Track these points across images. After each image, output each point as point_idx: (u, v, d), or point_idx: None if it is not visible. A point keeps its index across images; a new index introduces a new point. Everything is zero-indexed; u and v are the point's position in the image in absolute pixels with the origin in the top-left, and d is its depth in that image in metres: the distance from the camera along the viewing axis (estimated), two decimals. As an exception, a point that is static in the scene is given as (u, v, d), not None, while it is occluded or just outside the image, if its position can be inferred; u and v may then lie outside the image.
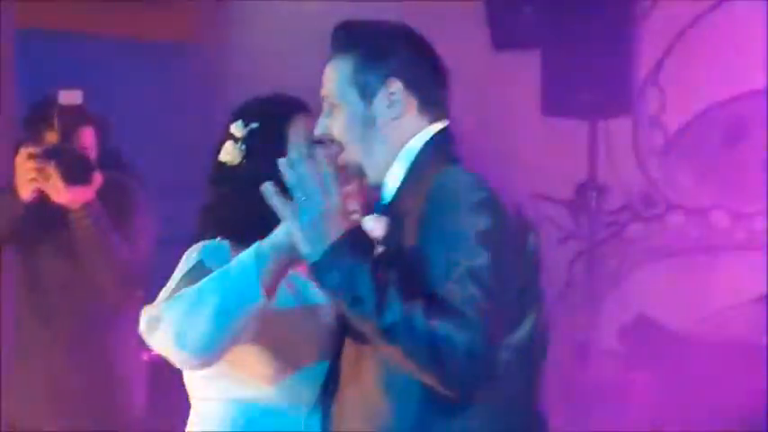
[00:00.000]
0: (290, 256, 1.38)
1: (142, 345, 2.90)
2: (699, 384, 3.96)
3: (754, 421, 3.89)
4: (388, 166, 1.47)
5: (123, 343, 2.85)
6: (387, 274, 1.35)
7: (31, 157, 2.77)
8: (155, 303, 1.50)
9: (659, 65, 4.33)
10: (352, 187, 1.52)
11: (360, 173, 1.50)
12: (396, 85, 1.47)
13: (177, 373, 1.63)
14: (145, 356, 3.00)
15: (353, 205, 1.48)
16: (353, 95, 1.49)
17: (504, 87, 4.36)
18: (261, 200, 1.37)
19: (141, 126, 3.64)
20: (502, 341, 1.42)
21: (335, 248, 1.32)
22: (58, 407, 2.95)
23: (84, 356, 3.02)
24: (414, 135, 1.49)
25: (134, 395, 3.07)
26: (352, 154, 1.47)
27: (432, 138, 1.49)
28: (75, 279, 2.85)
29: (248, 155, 1.57)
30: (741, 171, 4.27)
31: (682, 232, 4.44)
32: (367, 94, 1.49)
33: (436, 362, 1.34)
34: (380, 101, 1.48)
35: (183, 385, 1.69)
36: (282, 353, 1.52)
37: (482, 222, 1.41)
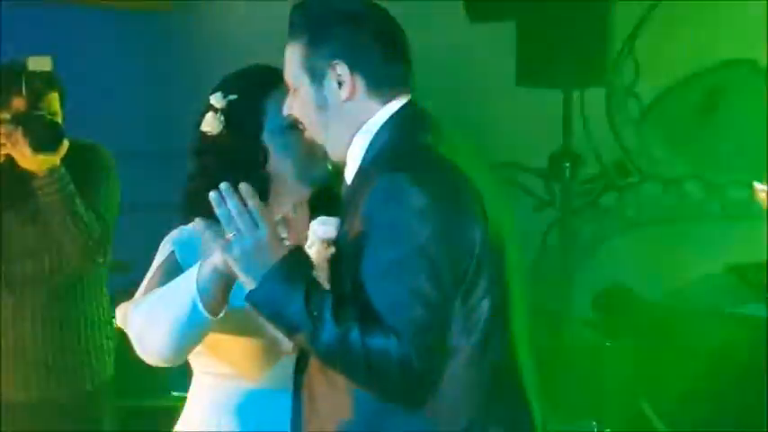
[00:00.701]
0: (229, 280, 1.49)
1: (110, 312, 2.83)
2: (673, 353, 4.10)
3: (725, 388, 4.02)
4: (347, 146, 1.52)
5: (90, 311, 2.92)
6: (323, 296, 1.42)
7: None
8: (132, 300, 1.64)
9: (633, 37, 4.45)
10: (286, 212, 1.68)
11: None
12: (341, 68, 1.51)
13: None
14: (114, 325, 3.02)
15: (284, 232, 1.59)
16: (306, 79, 1.54)
17: (479, 58, 4.43)
18: (241, 170, 1.50)
19: (112, 92, 3.76)
20: (444, 349, 1.48)
21: (266, 279, 1.40)
22: (28, 376, 2.99)
23: (52, 325, 3.04)
24: (369, 115, 1.54)
25: (103, 364, 3.16)
26: (314, 135, 1.54)
27: (391, 117, 1.53)
28: (42, 246, 2.87)
29: (228, 125, 1.66)
30: (715, 141, 4.41)
31: (656, 202, 4.58)
32: (317, 77, 1.53)
33: (373, 378, 1.41)
34: (330, 83, 1.52)
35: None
36: (255, 341, 1.63)
37: (422, 232, 1.45)
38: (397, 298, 1.45)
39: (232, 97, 1.70)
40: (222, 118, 1.69)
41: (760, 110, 4.26)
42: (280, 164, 1.71)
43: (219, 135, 1.68)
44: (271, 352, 1.66)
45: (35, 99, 2.83)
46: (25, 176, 2.82)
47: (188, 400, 1.83)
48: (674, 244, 4.57)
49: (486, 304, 1.52)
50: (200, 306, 1.51)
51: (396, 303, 1.44)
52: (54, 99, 2.86)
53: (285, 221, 1.75)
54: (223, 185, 1.44)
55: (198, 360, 1.72)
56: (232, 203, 1.43)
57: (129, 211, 2.88)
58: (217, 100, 1.71)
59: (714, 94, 4.41)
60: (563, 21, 4.30)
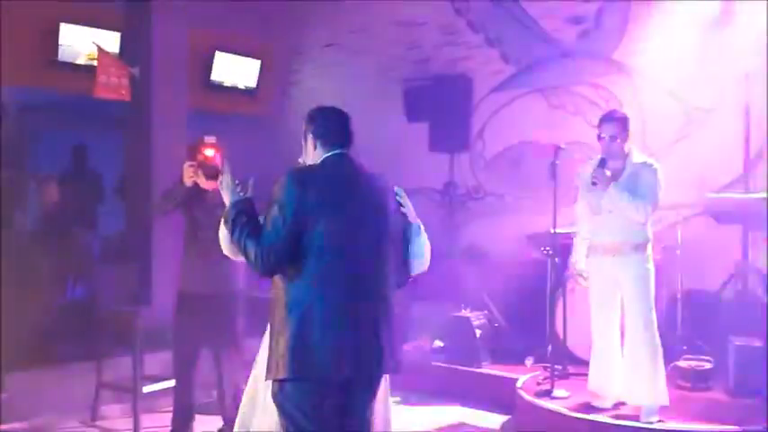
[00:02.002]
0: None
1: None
2: (505, 284, 6.31)
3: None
4: None
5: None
6: (242, 217, 2.74)
7: (191, 166, 4.36)
8: None
9: (483, 128, 7.46)
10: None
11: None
12: (310, 137, 2.87)
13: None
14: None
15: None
16: (303, 140, 2.92)
17: (411, 138, 7.33)
18: None
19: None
20: (281, 254, 2.66)
21: (231, 205, 2.77)
22: (206, 275, 4.43)
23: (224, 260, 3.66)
24: (318, 157, 2.86)
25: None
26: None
27: (323, 159, 2.82)
28: (214, 221, 3.47)
29: None
30: (520, 178, 7.14)
31: (493, 205, 7.42)
32: (305, 139, 2.90)
33: (247, 260, 2.72)
34: (308, 143, 2.89)
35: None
36: None
37: (281, 197, 2.69)
38: (267, 227, 2.68)
39: None
40: None
41: (539, 161, 5.67)
42: None
43: None
44: None
45: (206, 154, 4.39)
46: (203, 191, 4.42)
47: None
48: (501, 223, 7.07)
49: (320, 236, 2.69)
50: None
51: (266, 230, 2.69)
52: (217, 157, 4.38)
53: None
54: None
55: None
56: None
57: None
58: None
59: (517, 156, 7.23)
60: (449, 121, 7.32)
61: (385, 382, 3.02)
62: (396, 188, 2.96)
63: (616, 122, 4.61)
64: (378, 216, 2.82)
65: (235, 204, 2.83)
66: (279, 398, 2.74)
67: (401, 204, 2.98)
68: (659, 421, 4.55)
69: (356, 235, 2.73)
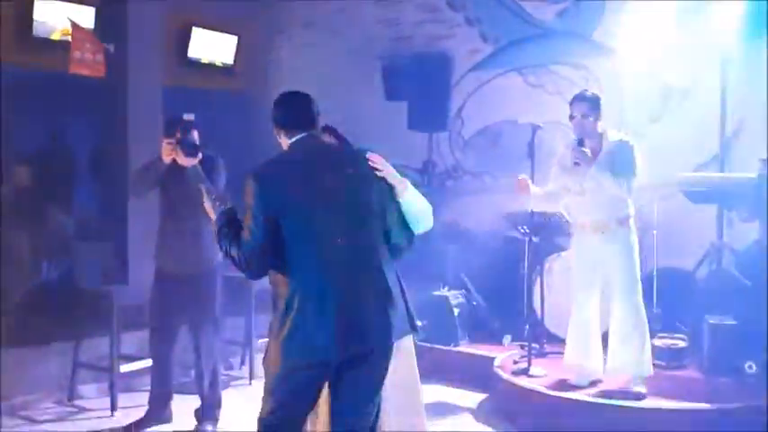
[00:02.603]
0: None
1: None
2: (483, 263, 6.45)
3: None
4: None
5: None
6: (225, 224, 2.81)
7: (169, 143, 4.33)
8: None
9: (462, 108, 7.47)
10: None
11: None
12: (276, 126, 2.90)
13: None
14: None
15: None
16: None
17: (390, 117, 7.24)
18: None
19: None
20: (259, 255, 2.71)
21: (215, 222, 2.84)
22: (180, 258, 4.50)
23: (198, 230, 4.34)
24: (285, 145, 2.90)
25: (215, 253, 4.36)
26: None
27: (289, 146, 2.86)
28: (191, 198, 3.92)
29: None
30: (499, 156, 7.11)
31: (471, 184, 7.45)
32: (275, 128, 2.94)
33: (238, 268, 2.77)
34: (276, 134, 2.93)
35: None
36: None
37: (248, 196, 2.72)
38: (244, 234, 2.75)
39: None
40: None
41: (517, 141, 5.66)
42: None
43: None
44: None
45: (186, 132, 4.39)
46: (181, 168, 4.33)
47: None
48: (478, 204, 7.07)
49: (291, 226, 2.71)
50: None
51: (243, 236, 2.75)
52: (195, 132, 4.44)
53: None
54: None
55: None
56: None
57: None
58: None
59: (496, 135, 7.25)
60: (428, 100, 7.24)
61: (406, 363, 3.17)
62: (368, 154, 2.91)
63: (587, 102, 4.65)
64: (352, 189, 2.82)
65: (217, 220, 2.89)
66: (266, 379, 2.87)
67: (377, 170, 2.91)
68: (638, 398, 4.62)
69: (327, 215, 2.75)
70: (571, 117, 4.69)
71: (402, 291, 3.00)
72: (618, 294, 4.64)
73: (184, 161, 4.29)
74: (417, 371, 3.36)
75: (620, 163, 4.54)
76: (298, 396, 2.79)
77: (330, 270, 2.73)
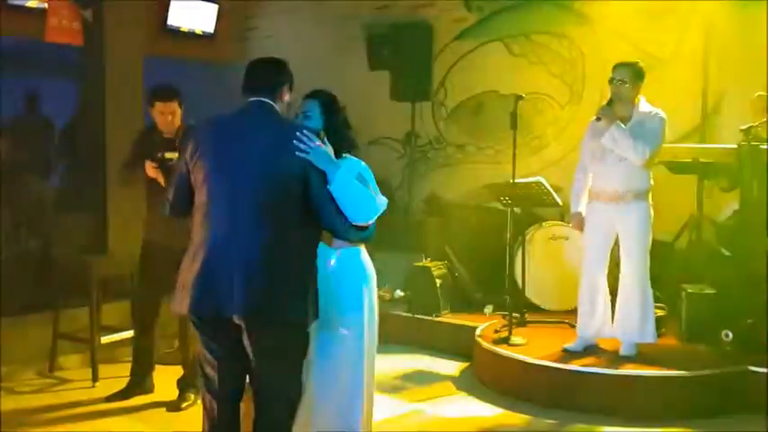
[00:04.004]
0: None
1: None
2: (465, 234, 6.49)
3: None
4: None
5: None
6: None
7: (153, 167, 4.49)
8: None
9: (445, 78, 7.44)
10: None
11: None
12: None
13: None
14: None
15: None
16: None
17: (372, 87, 7.28)
18: None
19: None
20: (181, 196, 2.91)
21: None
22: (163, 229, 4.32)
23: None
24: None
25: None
26: None
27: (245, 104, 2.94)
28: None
29: None
30: (481, 128, 7.21)
31: (454, 154, 7.45)
32: None
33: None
34: None
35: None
36: None
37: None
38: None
39: None
40: None
41: (500, 111, 6.29)
42: None
43: None
44: None
45: (166, 161, 4.46)
46: (167, 141, 4.54)
47: None
48: (460, 175, 7.25)
49: (200, 182, 2.86)
50: None
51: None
52: (178, 109, 4.61)
53: None
54: None
55: None
56: None
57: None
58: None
59: (479, 105, 7.23)
60: (411, 70, 7.26)
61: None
62: (303, 131, 2.85)
63: (627, 68, 4.74)
64: (264, 159, 2.80)
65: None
66: None
67: (300, 150, 2.85)
68: (618, 367, 4.70)
69: (226, 178, 2.80)
70: (610, 81, 4.76)
71: (304, 276, 2.90)
72: (627, 264, 4.74)
73: (165, 183, 4.27)
74: (362, 375, 3.18)
75: (645, 130, 4.62)
76: (207, 346, 2.92)
77: (213, 229, 2.79)
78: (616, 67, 4.78)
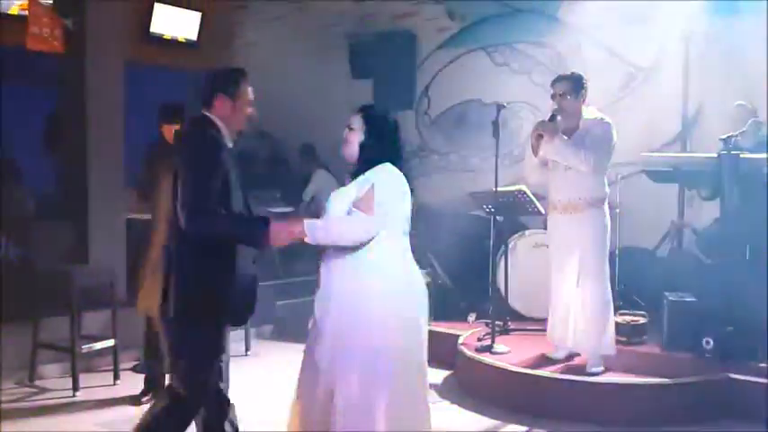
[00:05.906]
0: None
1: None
2: (448, 242, 6.31)
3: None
4: None
5: None
6: None
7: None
8: None
9: (428, 86, 7.54)
10: None
11: None
12: None
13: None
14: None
15: None
16: None
17: (355, 96, 7.15)
18: None
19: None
20: (210, 204, 2.88)
21: None
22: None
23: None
24: None
25: None
26: None
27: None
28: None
29: None
30: (464, 137, 7.23)
31: (437, 163, 7.56)
32: None
33: None
34: None
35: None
36: None
37: None
38: None
39: None
40: None
41: (483, 120, 6.13)
42: None
43: None
44: None
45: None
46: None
47: None
48: (444, 183, 7.33)
49: (226, 189, 2.95)
50: None
51: None
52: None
53: None
54: None
55: None
56: None
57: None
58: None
59: (462, 114, 7.36)
60: (394, 79, 7.39)
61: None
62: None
63: (567, 80, 4.70)
64: (178, 167, 2.96)
65: None
66: None
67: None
68: (603, 372, 4.70)
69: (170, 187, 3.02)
70: (552, 96, 4.74)
71: (185, 275, 2.98)
72: (585, 276, 4.67)
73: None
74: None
75: (591, 138, 4.57)
76: (223, 348, 3.12)
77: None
78: (555, 81, 4.76)
